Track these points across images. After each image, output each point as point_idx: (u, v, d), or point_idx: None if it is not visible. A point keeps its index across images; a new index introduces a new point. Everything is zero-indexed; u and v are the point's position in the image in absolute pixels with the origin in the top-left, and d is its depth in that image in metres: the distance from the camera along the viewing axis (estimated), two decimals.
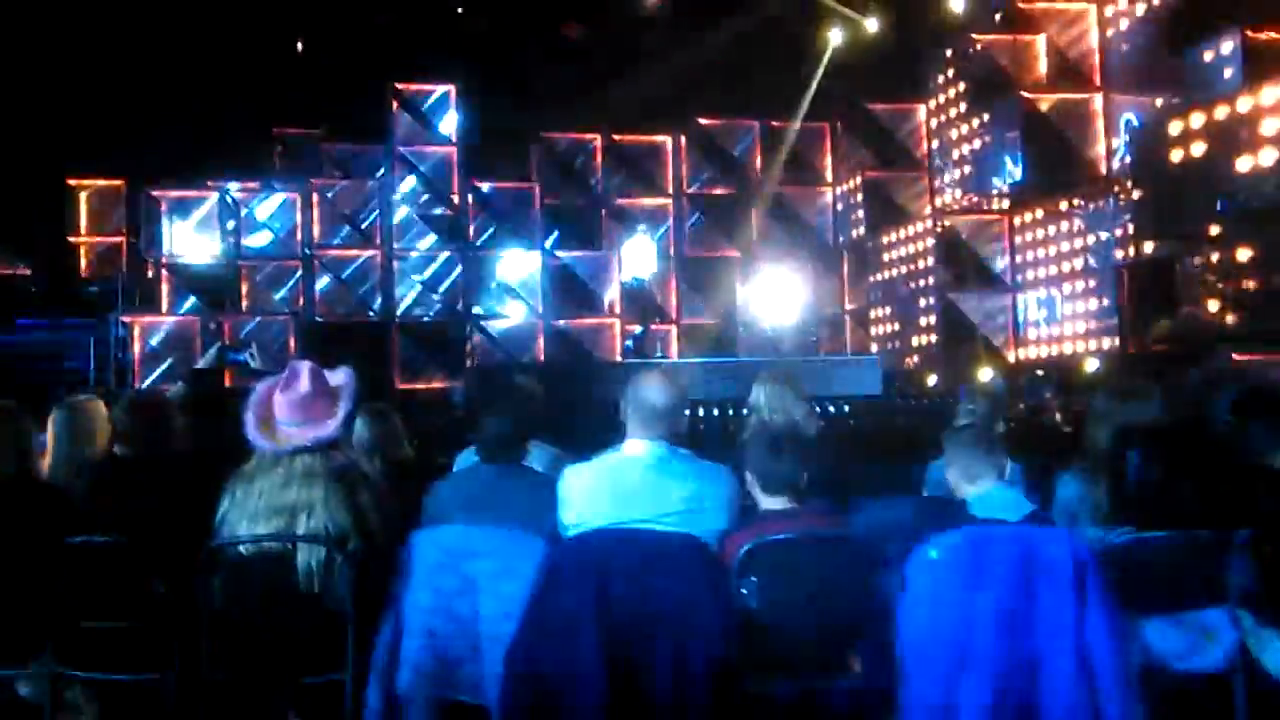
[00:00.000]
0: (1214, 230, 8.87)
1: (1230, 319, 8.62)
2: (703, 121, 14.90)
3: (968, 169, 12.81)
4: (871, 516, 3.30)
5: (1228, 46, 9.05)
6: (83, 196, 14.19)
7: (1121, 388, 3.55)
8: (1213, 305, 8.84)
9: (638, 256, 12.56)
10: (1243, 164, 8.59)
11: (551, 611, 2.95)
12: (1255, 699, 3.11)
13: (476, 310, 14.03)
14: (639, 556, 2.99)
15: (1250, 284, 8.51)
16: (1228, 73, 9.02)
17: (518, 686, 2.94)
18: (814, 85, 13.98)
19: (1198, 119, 9.04)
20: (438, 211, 14.43)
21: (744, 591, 3.03)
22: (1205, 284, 8.97)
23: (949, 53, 13.10)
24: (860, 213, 14.26)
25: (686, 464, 3.28)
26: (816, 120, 15.04)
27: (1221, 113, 8.79)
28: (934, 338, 12.19)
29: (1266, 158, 8.39)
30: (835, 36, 13.72)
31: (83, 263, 14.21)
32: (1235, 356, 7.29)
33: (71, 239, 14.08)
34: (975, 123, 12.59)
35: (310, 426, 3.24)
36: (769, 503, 3.29)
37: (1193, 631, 3.13)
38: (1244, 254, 8.65)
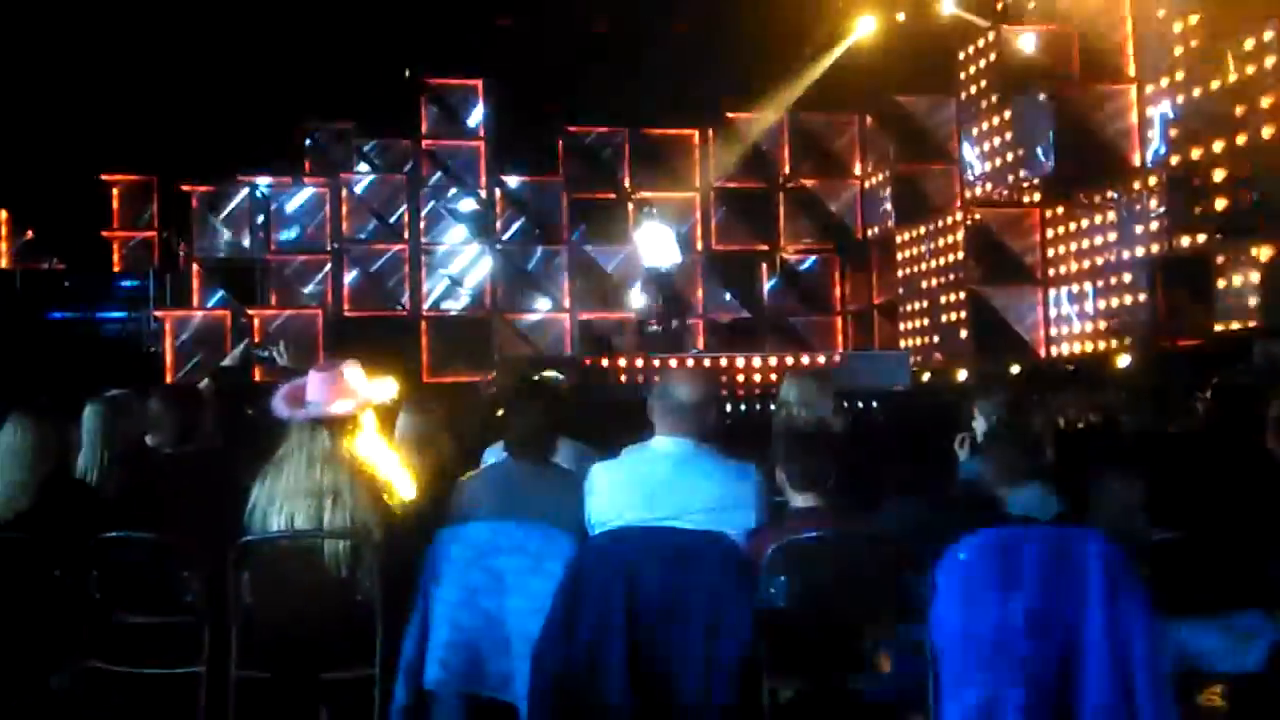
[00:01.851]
0: (1251, 224, 8.73)
1: (1267, 314, 8.48)
2: (730, 115, 14.84)
3: (998, 162, 12.68)
4: (905, 514, 3.27)
5: (1268, 35, 8.89)
6: (115, 191, 14.33)
7: (1156, 387, 3.49)
8: (1252, 300, 8.69)
9: (656, 246, 12.06)
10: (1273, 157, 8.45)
11: (579, 608, 2.95)
12: None
13: (504, 304, 14.07)
14: (667, 554, 2.98)
15: None
16: (1268, 62, 8.85)
17: (545, 683, 2.94)
18: (841, 78, 13.87)
19: (1235, 110, 8.89)
20: (466, 206, 14.49)
21: (772, 590, 3.01)
22: (1242, 279, 8.83)
23: (980, 44, 12.96)
24: (889, 206, 14.16)
25: (714, 461, 3.27)
26: (845, 112, 14.94)
27: (1261, 104, 8.64)
28: (963, 333, 12.08)
29: None
30: (864, 28, 13.60)
31: (115, 257, 14.37)
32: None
33: (104, 234, 14.24)
34: (1006, 115, 12.45)
35: (327, 402, 3.32)
36: (798, 500, 3.27)
37: (1231, 633, 3.09)
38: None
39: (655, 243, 11.85)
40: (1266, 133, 8.55)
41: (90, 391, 4.22)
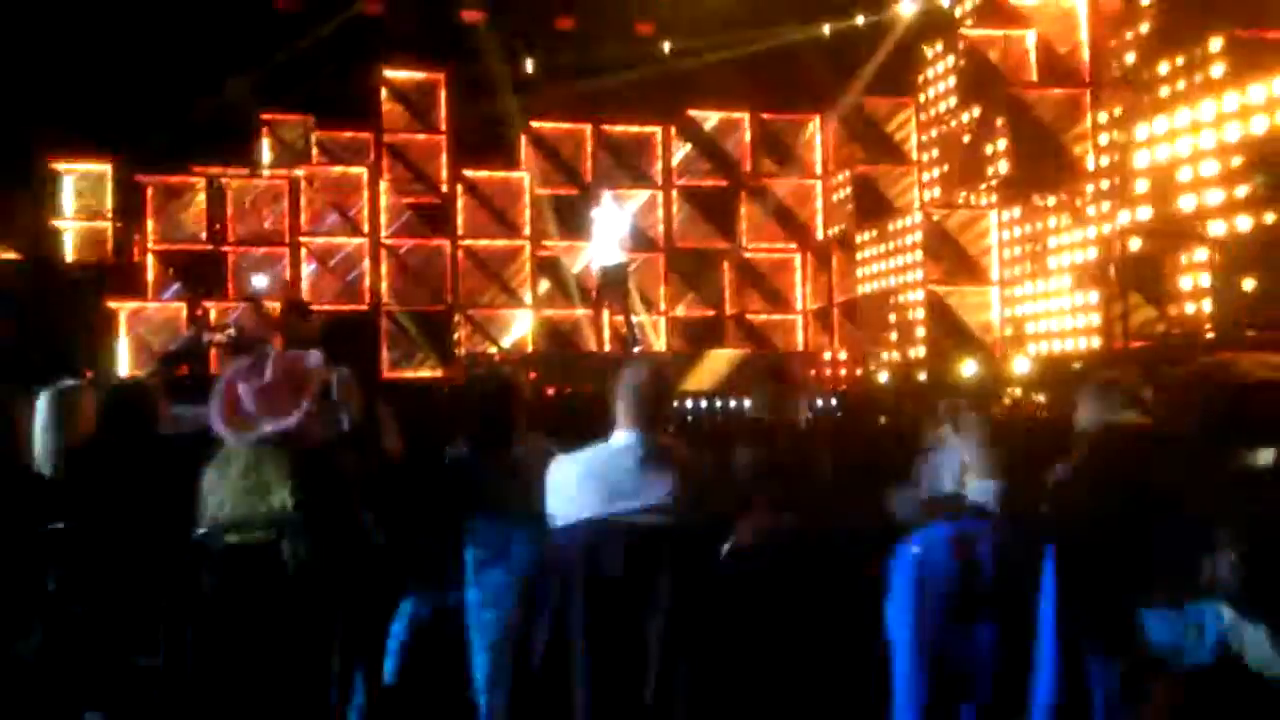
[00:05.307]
0: (1202, 226, 8.92)
1: (1218, 316, 8.67)
2: (693, 113, 14.89)
3: (956, 163, 12.85)
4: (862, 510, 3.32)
5: (1216, 44, 9.09)
6: (68, 180, 14.08)
7: (1105, 383, 3.57)
8: (1205, 304, 8.88)
9: (609, 237, 11.57)
10: (1224, 162, 8.65)
11: (540, 601, 2.96)
12: (1239, 692, 3.15)
13: (465, 300, 14.01)
14: (628, 547, 3.00)
15: (1239, 280, 8.56)
16: (1216, 70, 9.06)
17: (505, 676, 2.95)
18: (803, 78, 13.96)
19: (1184, 115, 9.09)
20: (426, 200, 14.40)
21: (733, 583, 3.05)
22: (1193, 280, 9.01)
23: (939, 47, 13.12)
24: (850, 206, 14.29)
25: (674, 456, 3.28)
26: (807, 112, 15.05)
27: (1208, 110, 8.84)
28: (920, 332, 12.22)
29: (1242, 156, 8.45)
30: (826, 30, 13.71)
31: (68, 247, 14.12)
32: (1223, 356, 7.31)
33: (57, 223, 13.98)
34: (965, 117, 12.62)
35: (272, 419, 3.19)
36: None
37: (1185, 625, 3.16)
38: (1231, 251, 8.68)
39: (609, 233, 11.49)
40: (1209, 138, 8.75)
41: (40, 383, 4.15)
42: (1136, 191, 9.70)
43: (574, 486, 3.25)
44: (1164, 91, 9.67)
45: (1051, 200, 11.38)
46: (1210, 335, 8.45)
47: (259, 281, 11.57)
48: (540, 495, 3.31)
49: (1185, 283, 9.19)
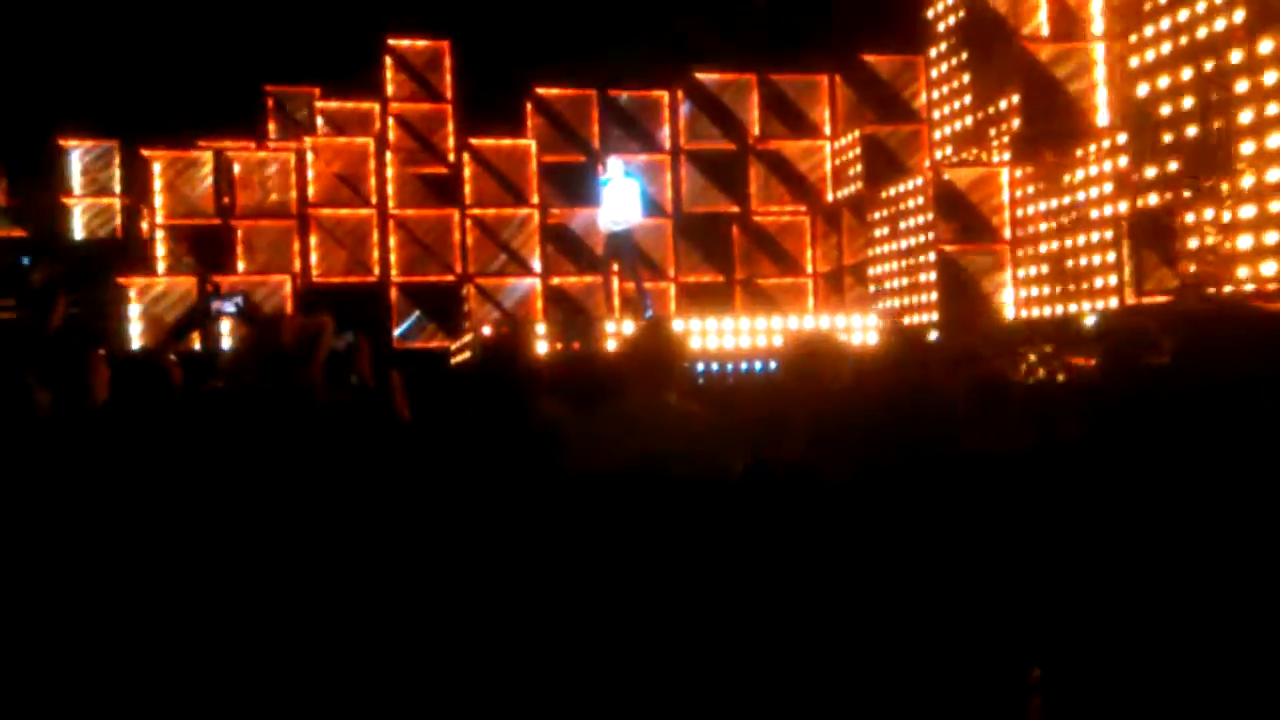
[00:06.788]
0: (1216, 182, 8.80)
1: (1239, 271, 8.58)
2: (700, 76, 14.74)
3: (967, 121, 12.70)
4: None
5: None
6: (74, 156, 14.07)
7: (1133, 334, 3.53)
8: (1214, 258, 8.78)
9: (619, 202, 11.54)
10: (1243, 116, 8.52)
11: None
12: None
13: (474, 269, 13.99)
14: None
15: (1249, 236, 8.46)
16: (1236, 15, 8.88)
17: None
18: (809, 38, 13.81)
19: (1197, 68, 8.94)
20: (433, 170, 14.34)
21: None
22: (1209, 236, 8.91)
23: (948, 1, 12.93)
24: (859, 167, 14.16)
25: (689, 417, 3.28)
26: (814, 73, 14.89)
27: (1230, 58, 8.68)
28: (933, 293, 12.14)
29: (1270, 109, 8.31)
30: None
31: (77, 224, 14.14)
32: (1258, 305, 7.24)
33: (65, 200, 13.98)
34: (974, 74, 12.45)
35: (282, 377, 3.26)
36: None
37: None
38: (1247, 208, 8.57)
39: (619, 198, 11.41)
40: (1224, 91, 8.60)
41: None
42: (1149, 146, 9.56)
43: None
44: (1183, 40, 9.50)
45: (1064, 156, 11.22)
46: (1228, 289, 8.37)
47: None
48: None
49: (1205, 239, 9.07)
